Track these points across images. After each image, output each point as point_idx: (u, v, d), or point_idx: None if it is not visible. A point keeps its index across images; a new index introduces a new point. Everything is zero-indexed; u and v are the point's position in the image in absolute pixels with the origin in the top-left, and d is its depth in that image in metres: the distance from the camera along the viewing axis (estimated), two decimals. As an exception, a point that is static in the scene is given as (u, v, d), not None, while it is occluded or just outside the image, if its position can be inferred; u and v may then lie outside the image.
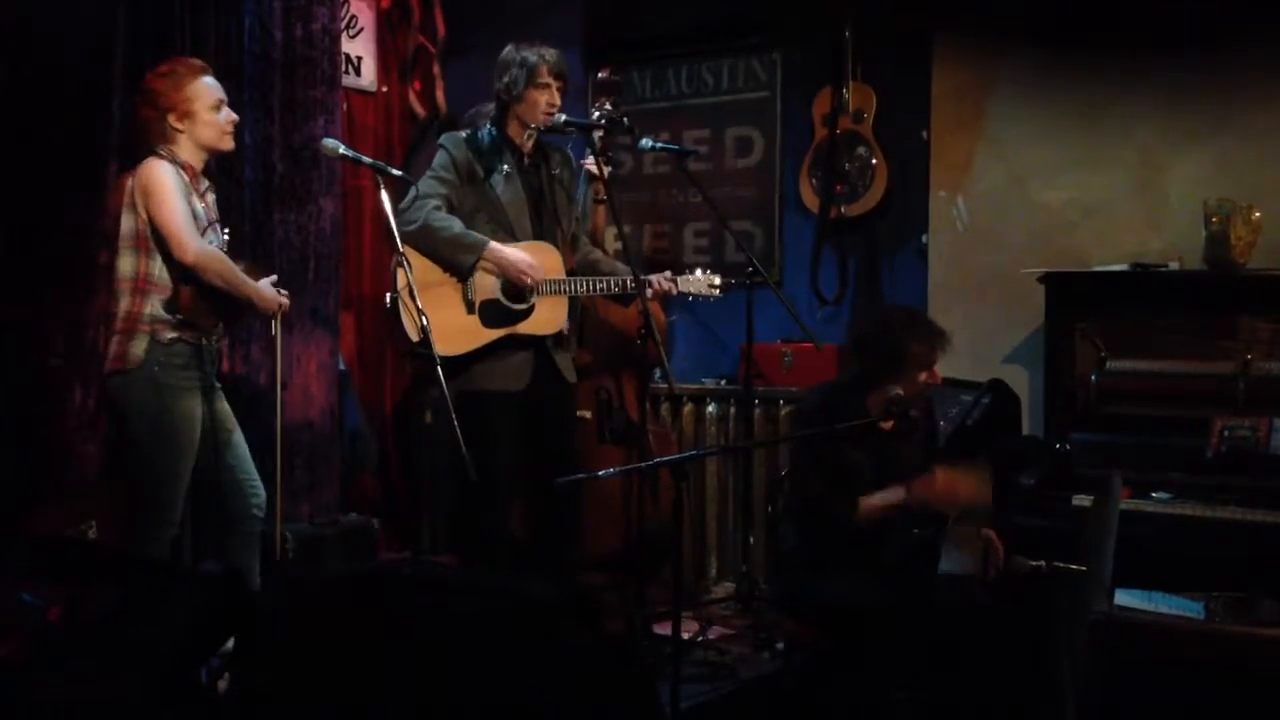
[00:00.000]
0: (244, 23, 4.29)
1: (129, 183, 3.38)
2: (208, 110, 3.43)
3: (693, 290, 3.93)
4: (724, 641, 4.30)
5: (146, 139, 3.43)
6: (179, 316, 3.35)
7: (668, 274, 3.91)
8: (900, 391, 3.37)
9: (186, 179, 3.39)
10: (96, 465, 4.00)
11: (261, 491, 3.57)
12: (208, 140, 3.45)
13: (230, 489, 3.50)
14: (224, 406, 3.54)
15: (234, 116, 3.51)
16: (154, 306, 3.34)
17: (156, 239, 3.33)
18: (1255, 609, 2.81)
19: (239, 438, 3.56)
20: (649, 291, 3.80)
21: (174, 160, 3.40)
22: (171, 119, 3.39)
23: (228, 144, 3.50)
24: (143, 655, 2.17)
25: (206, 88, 3.45)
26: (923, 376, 3.42)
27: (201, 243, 3.33)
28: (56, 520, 3.86)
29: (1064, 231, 4.58)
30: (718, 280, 3.96)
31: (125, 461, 3.62)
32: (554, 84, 3.76)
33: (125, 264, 3.36)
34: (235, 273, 3.43)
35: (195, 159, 3.46)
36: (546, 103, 3.76)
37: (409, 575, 2.59)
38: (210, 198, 3.50)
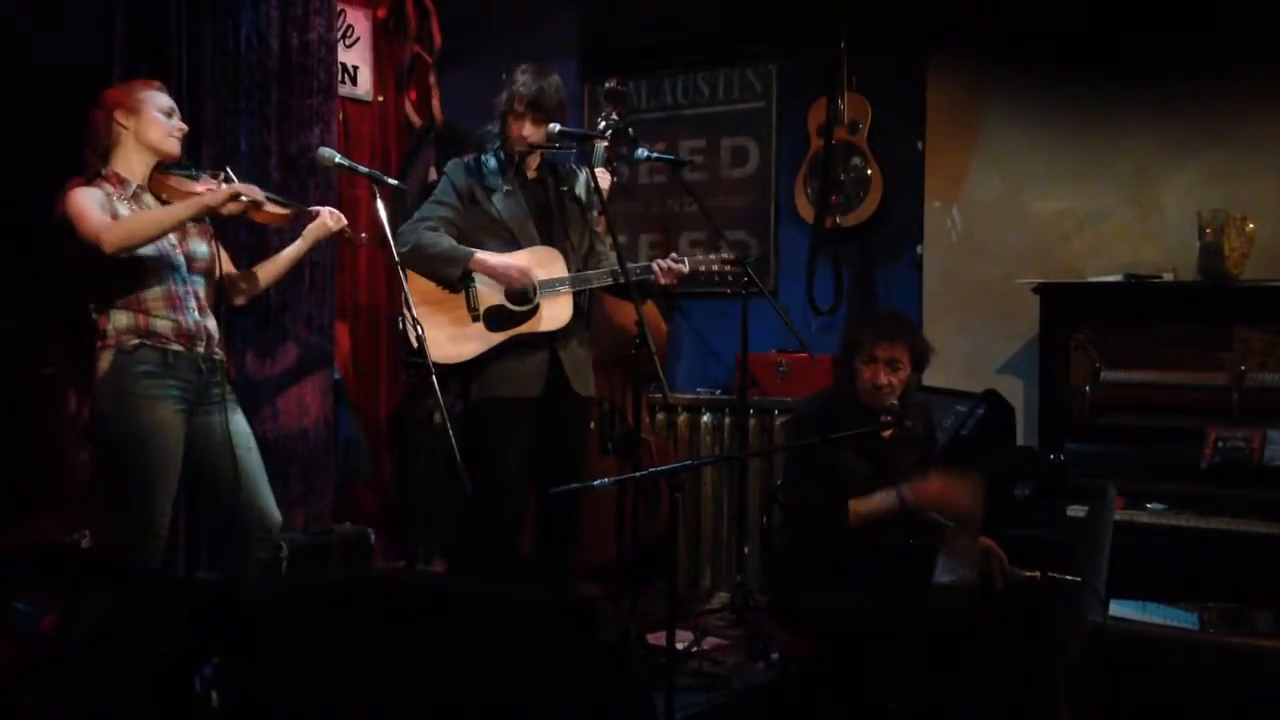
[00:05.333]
0: (240, 32, 4.30)
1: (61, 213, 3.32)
2: (155, 109, 3.40)
3: (703, 269, 3.91)
4: (718, 652, 4.29)
5: (91, 143, 3.38)
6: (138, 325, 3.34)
7: (675, 255, 3.90)
8: (896, 401, 3.37)
9: (110, 188, 3.33)
10: (90, 474, 3.99)
11: (272, 516, 3.49)
12: (153, 139, 3.39)
13: (236, 508, 3.44)
14: (235, 422, 3.46)
15: (183, 126, 3.46)
16: (116, 320, 3.33)
17: (94, 261, 3.29)
18: (1249, 619, 2.82)
19: (250, 456, 3.48)
20: (655, 275, 3.82)
21: (100, 178, 3.34)
22: (118, 114, 3.36)
23: (172, 147, 3.42)
24: (136, 663, 2.16)
25: (158, 94, 3.43)
26: (866, 373, 3.39)
27: (113, 227, 3.22)
28: (50, 528, 3.85)
29: (1059, 242, 4.59)
30: (727, 254, 3.94)
31: (105, 471, 3.59)
32: (527, 115, 3.79)
33: (89, 289, 3.37)
34: (155, 214, 3.32)
35: (132, 169, 3.39)
36: (518, 132, 3.82)
37: (403, 583, 2.59)
38: (147, 199, 3.40)
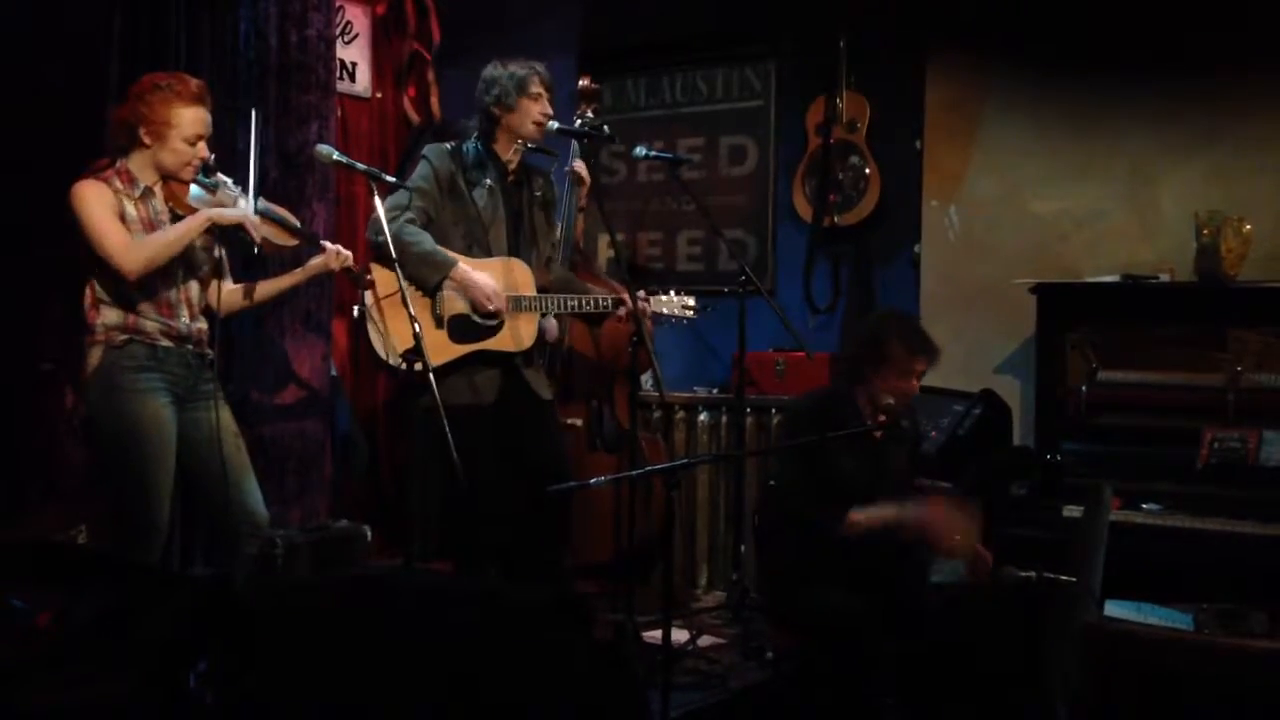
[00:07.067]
0: (239, 28, 4.29)
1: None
2: (181, 140, 3.35)
3: (666, 311, 3.93)
4: (714, 650, 4.29)
5: (115, 138, 3.40)
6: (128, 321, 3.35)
7: (641, 294, 3.91)
8: (891, 400, 3.38)
9: (120, 184, 3.34)
10: (86, 469, 3.99)
11: (259, 514, 3.49)
12: (168, 166, 3.38)
13: (223, 505, 3.44)
14: (224, 418, 3.46)
15: (206, 154, 3.42)
16: (105, 316, 3.34)
17: (94, 258, 3.30)
18: (1244, 620, 2.82)
19: (237, 453, 3.48)
20: (621, 310, 3.80)
21: (114, 173, 3.34)
22: (143, 130, 3.34)
23: (187, 175, 3.40)
24: (132, 660, 2.16)
25: (191, 119, 3.36)
26: (898, 382, 3.39)
27: (133, 253, 3.26)
28: (47, 524, 3.85)
29: (1056, 242, 4.60)
30: (692, 302, 3.96)
31: (102, 466, 3.60)
32: (545, 94, 3.79)
33: (84, 284, 3.37)
34: (168, 238, 3.32)
35: (144, 173, 3.39)
36: (540, 112, 3.79)
37: (399, 580, 2.60)
38: (155, 202, 3.40)
